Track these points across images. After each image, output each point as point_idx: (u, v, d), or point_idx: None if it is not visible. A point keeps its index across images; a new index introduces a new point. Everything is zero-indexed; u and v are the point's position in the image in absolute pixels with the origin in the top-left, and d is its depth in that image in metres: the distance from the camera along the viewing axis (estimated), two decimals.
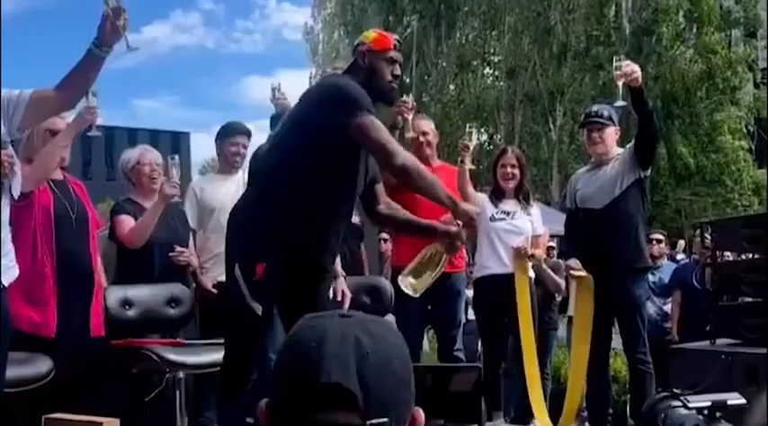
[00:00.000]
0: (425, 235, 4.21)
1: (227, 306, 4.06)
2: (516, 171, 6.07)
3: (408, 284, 4.07)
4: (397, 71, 3.96)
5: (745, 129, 29.66)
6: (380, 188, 4.26)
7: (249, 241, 3.83)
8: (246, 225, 3.89)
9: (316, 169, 3.75)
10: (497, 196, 6.06)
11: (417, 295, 4.16)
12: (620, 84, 5.24)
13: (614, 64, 5.33)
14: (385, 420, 1.23)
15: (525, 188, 6.22)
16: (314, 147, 3.74)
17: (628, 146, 5.72)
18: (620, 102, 5.41)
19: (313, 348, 1.25)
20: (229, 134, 5.88)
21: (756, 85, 30.65)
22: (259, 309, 3.81)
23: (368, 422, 1.22)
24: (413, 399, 1.32)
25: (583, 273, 5.61)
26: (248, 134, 5.98)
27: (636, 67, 5.28)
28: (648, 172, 5.73)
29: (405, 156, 3.75)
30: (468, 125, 6.34)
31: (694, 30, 29.29)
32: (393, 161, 3.69)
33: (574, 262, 5.69)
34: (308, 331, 1.29)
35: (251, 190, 4.07)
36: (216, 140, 5.98)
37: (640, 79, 5.28)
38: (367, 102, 3.71)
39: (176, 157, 5.55)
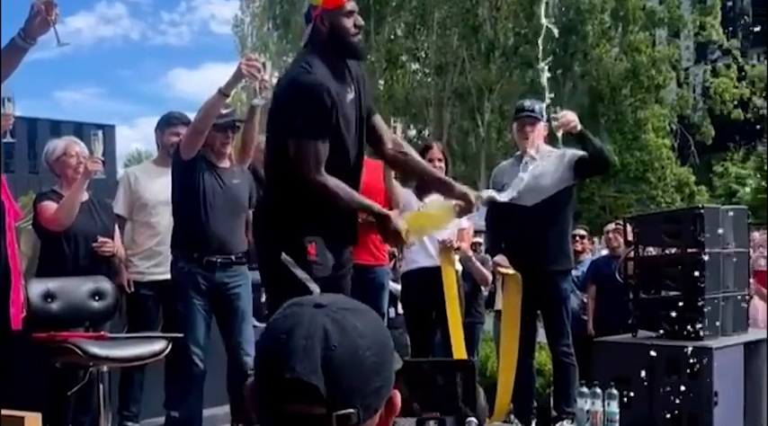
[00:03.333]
0: (440, 191, 4.21)
1: (280, 294, 3.97)
2: (442, 164, 6.09)
3: (404, 229, 3.87)
4: (360, 21, 3.91)
5: (668, 127, 30.22)
6: (378, 121, 4.22)
7: (287, 226, 3.86)
8: (277, 215, 3.93)
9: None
10: (423, 190, 6.07)
11: (409, 242, 4.06)
12: (559, 134, 5.35)
13: (551, 115, 5.44)
14: (351, 411, 1.28)
15: None
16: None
17: (568, 151, 5.77)
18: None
19: (282, 340, 1.29)
20: (170, 123, 5.70)
21: (679, 84, 31.26)
22: (317, 289, 3.79)
23: (333, 414, 1.26)
24: (388, 385, 1.35)
25: (511, 271, 5.67)
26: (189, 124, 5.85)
27: (572, 116, 5.41)
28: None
29: (317, 180, 3.77)
30: (393, 119, 6.28)
31: (620, 29, 29.73)
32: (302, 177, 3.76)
33: (501, 259, 5.75)
34: (281, 320, 1.33)
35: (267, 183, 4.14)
36: (156, 130, 5.81)
37: (579, 126, 5.40)
38: (315, 115, 3.72)
39: (99, 133, 5.43)
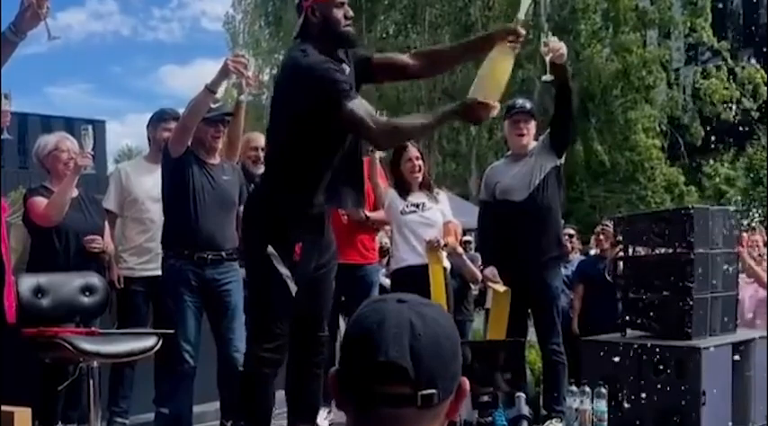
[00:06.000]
0: (483, 49, 4.20)
1: (261, 288, 4.07)
2: (421, 162, 6.08)
3: (485, 101, 3.92)
4: (350, 12, 3.96)
5: (658, 128, 30.24)
6: (383, 55, 4.41)
7: (277, 223, 3.94)
8: (268, 209, 3.98)
9: (306, 151, 3.89)
10: (404, 190, 6.06)
11: (496, 110, 4.04)
12: (547, 59, 5.34)
13: (542, 40, 5.44)
14: (433, 391, 1.46)
15: (427, 178, 6.24)
16: (301, 135, 3.86)
17: (542, 136, 5.81)
18: (547, 77, 5.48)
19: (374, 329, 1.47)
20: (162, 119, 5.70)
21: (670, 85, 31.29)
22: (294, 289, 3.82)
23: (419, 393, 1.45)
24: (459, 371, 1.53)
25: (501, 288, 5.67)
26: None
27: (562, 45, 5.39)
28: (563, 159, 5.83)
29: (378, 128, 3.83)
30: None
31: (610, 29, 29.72)
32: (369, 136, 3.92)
33: (491, 273, 5.75)
34: (370, 313, 1.51)
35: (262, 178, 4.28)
36: (147, 126, 5.81)
37: (565, 57, 5.40)
38: (336, 80, 3.77)
39: (89, 128, 5.41)
